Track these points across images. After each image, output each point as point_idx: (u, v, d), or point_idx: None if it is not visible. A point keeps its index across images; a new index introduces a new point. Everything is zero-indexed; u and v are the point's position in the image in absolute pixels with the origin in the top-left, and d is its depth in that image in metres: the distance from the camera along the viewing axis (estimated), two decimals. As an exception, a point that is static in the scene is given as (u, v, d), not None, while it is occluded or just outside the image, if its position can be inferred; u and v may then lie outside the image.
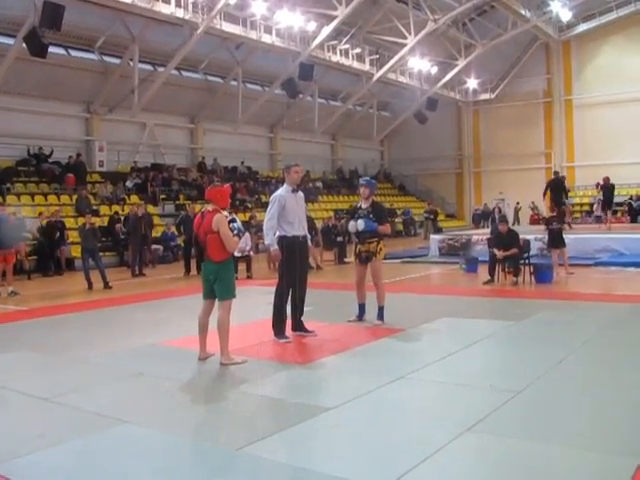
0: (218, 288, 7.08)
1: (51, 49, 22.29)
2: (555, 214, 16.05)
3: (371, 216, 9.14)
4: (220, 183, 7.76)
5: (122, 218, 21.76)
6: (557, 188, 20.56)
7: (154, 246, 22.51)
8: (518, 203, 35.79)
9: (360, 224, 9.06)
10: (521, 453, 4.46)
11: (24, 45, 21.29)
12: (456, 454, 4.46)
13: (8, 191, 21.84)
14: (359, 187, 9.45)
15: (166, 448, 4.76)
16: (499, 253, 13.83)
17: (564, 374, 6.42)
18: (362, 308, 9.47)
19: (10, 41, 22.99)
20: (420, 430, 4.94)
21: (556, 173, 21.57)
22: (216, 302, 7.17)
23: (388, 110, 44.66)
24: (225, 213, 7.23)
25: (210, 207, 7.19)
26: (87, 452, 4.74)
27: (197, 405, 5.96)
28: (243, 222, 21.60)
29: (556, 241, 14.95)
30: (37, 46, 20.82)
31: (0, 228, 14.54)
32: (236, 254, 15.91)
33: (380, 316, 9.24)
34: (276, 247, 8.08)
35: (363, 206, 9.33)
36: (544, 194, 20.94)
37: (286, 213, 8.17)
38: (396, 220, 35.35)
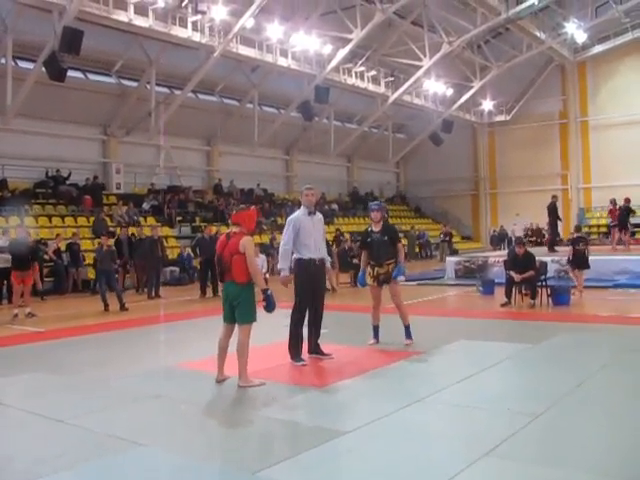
0: (239, 312, 7.09)
1: (70, 73, 22.55)
2: (577, 236, 15.83)
3: (385, 238, 9.22)
4: (245, 205, 7.76)
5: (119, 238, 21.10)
6: (551, 212, 20.78)
7: (170, 268, 22.64)
8: (531, 224, 35.67)
9: (400, 278, 9.30)
10: (539, 478, 4.42)
11: (43, 69, 21.58)
12: (474, 479, 4.42)
13: (26, 213, 22.01)
14: (371, 212, 9.52)
15: (183, 471, 4.74)
16: (516, 276, 13.76)
17: (582, 398, 6.36)
18: (377, 330, 9.47)
19: (30, 65, 23.29)
20: (438, 454, 4.90)
21: (552, 197, 21.69)
22: (236, 325, 7.17)
23: (404, 132, 44.75)
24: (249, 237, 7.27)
25: (236, 229, 7.24)
26: (103, 475, 4.73)
27: (214, 428, 5.94)
28: (262, 244, 21.68)
29: (579, 262, 14.83)
30: (56, 70, 21.09)
31: (19, 250, 14.66)
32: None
33: (408, 335, 9.34)
34: (287, 272, 8.09)
35: (375, 229, 9.37)
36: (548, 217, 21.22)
37: (301, 235, 8.20)
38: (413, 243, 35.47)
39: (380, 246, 9.25)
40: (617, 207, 23.52)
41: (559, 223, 22.22)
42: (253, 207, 7.55)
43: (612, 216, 23.92)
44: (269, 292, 7.13)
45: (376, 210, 9.47)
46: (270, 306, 7.18)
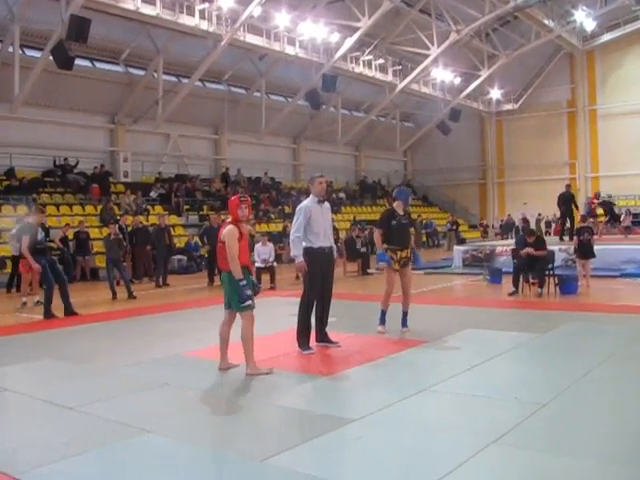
0: (232, 300, 7.11)
1: (77, 61, 22.56)
2: (582, 225, 15.88)
3: (408, 223, 9.58)
4: (243, 193, 7.78)
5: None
6: (567, 201, 20.62)
7: (178, 256, 22.68)
8: (540, 214, 35.61)
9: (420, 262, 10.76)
10: (546, 466, 4.42)
11: (51, 58, 21.60)
12: (481, 467, 4.43)
13: (34, 201, 22.06)
14: (409, 198, 9.83)
15: (191, 458, 4.76)
16: (530, 250, 13.71)
17: (589, 387, 6.36)
18: (385, 315, 9.49)
19: (37, 54, 23.35)
20: (444, 442, 4.91)
21: (567, 186, 21.68)
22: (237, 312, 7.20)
23: (411, 121, 44.69)
24: (249, 227, 7.30)
25: (228, 218, 7.34)
26: (111, 462, 4.75)
27: (222, 415, 5.97)
28: (270, 233, 21.70)
29: (584, 252, 14.85)
30: (64, 58, 21.09)
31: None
32: (259, 265, 16.06)
33: (406, 322, 9.44)
34: (301, 259, 8.09)
35: (401, 213, 9.43)
36: (558, 206, 21.02)
37: (311, 224, 8.18)
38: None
39: (405, 231, 9.42)
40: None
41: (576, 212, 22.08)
42: (234, 197, 7.53)
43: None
44: (242, 283, 6.98)
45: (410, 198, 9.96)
46: (241, 297, 6.95)
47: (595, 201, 26.84)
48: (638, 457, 4.56)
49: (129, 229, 20.17)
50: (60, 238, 19.91)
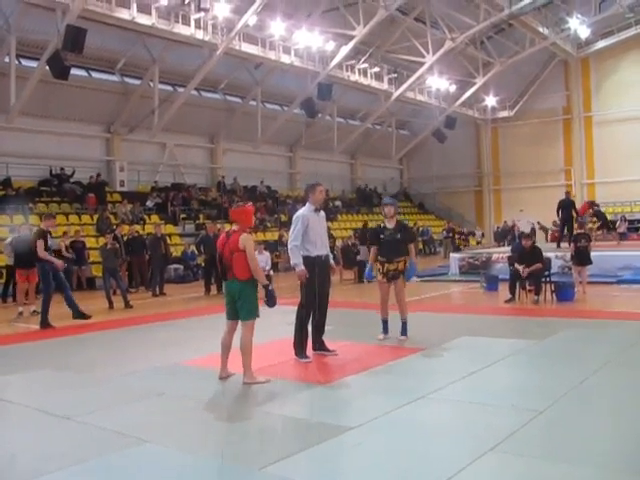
0: (242, 308, 7.09)
1: (73, 71, 22.64)
2: (578, 232, 15.91)
3: (399, 236, 9.40)
4: (242, 202, 7.76)
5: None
6: (566, 207, 20.70)
7: (174, 265, 22.65)
8: (539, 223, 35.62)
9: (414, 279, 10.18)
10: (543, 473, 4.43)
11: (47, 68, 21.60)
12: (478, 474, 4.44)
13: (30, 211, 22.03)
14: (383, 207, 9.60)
15: (188, 468, 4.76)
16: (523, 270, 13.70)
17: (586, 394, 6.37)
18: (387, 323, 9.57)
19: (34, 64, 23.38)
20: (442, 450, 4.92)
21: (567, 193, 21.79)
22: (239, 322, 7.19)
23: (407, 129, 44.76)
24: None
25: (235, 227, 7.26)
26: (108, 472, 4.75)
27: (219, 424, 5.96)
28: (266, 241, 21.73)
29: (581, 258, 14.86)
30: (60, 68, 21.12)
31: (22, 247, 14.65)
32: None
33: (405, 331, 9.45)
34: (302, 267, 8.10)
35: (389, 226, 9.42)
36: (557, 213, 21.09)
37: (309, 233, 8.20)
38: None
39: (392, 244, 9.36)
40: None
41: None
42: (250, 203, 7.56)
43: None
44: (270, 288, 7.16)
45: (390, 205, 9.61)
46: (271, 301, 7.19)
47: (590, 211, 26.91)
48: (635, 464, 4.56)
49: (125, 238, 20.13)
50: (65, 247, 19.83)
